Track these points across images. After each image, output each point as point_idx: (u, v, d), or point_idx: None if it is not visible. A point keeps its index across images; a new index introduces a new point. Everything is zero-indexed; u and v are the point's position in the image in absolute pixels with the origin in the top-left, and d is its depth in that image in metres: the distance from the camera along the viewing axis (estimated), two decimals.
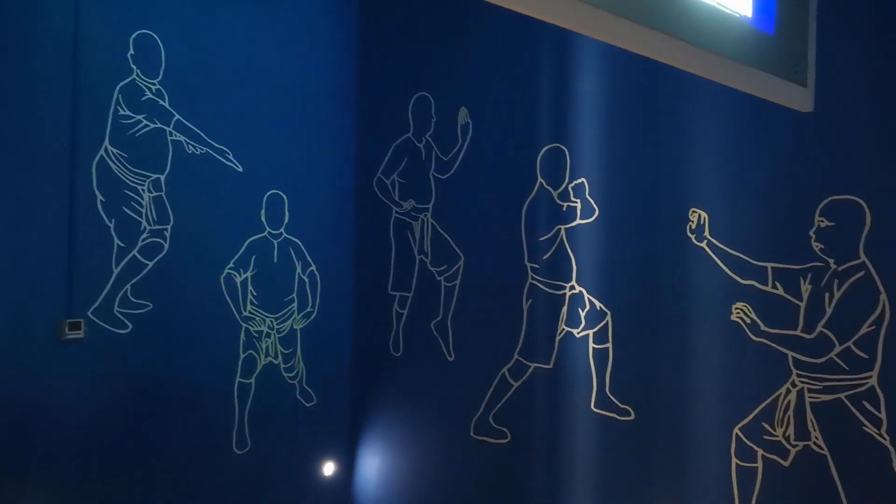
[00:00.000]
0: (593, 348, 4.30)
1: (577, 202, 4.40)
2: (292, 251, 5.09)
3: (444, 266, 5.01)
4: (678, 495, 3.94)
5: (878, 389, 3.38)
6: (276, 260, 5.00)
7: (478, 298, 4.85)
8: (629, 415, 4.14)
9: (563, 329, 4.43)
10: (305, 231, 5.17)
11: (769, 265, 3.70)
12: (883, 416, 3.36)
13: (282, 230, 5.04)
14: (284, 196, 5.05)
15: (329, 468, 5.32)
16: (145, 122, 4.40)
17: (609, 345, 4.24)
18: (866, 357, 3.42)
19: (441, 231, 5.04)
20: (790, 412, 3.61)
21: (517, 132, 4.69)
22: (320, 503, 5.27)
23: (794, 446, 3.60)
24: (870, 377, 3.40)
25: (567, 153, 4.45)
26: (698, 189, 3.94)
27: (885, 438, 3.35)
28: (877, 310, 3.40)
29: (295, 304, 5.11)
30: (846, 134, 3.51)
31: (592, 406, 4.28)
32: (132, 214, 4.36)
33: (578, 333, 4.37)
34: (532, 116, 4.62)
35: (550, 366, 4.48)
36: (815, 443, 3.54)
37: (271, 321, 4.97)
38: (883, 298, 3.38)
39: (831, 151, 3.55)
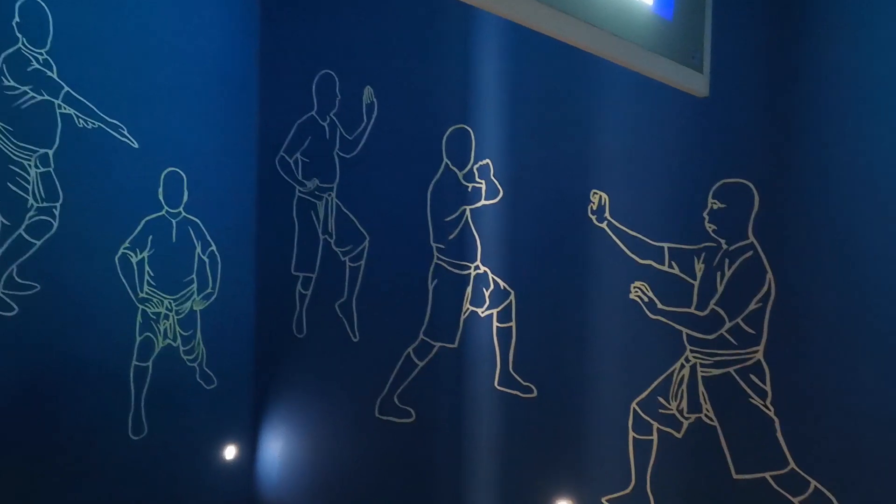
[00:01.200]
0: (497, 327, 4.36)
1: (481, 183, 4.43)
2: (191, 231, 4.94)
3: (349, 246, 4.97)
4: (579, 469, 4.06)
5: (764, 363, 3.56)
6: (174, 240, 4.84)
7: (383, 279, 4.84)
8: (532, 392, 4.22)
9: (468, 308, 4.47)
10: (205, 210, 5.03)
11: (666, 245, 3.83)
12: (768, 388, 3.55)
13: (180, 209, 4.88)
14: (183, 174, 4.89)
15: (230, 452, 5.22)
16: (31, 93, 4.16)
17: (513, 324, 4.31)
18: (754, 333, 3.59)
19: (346, 211, 5.00)
20: (684, 386, 3.76)
21: (423, 112, 4.69)
22: (221, 488, 5.17)
23: (686, 419, 3.75)
24: (756, 351, 3.58)
25: (472, 134, 4.48)
26: (600, 171, 4.04)
27: (769, 409, 3.54)
28: (763, 288, 3.57)
29: (195, 285, 4.97)
30: (738, 119, 3.66)
31: (496, 384, 4.35)
32: (18, 191, 4.13)
33: (483, 313, 4.42)
34: (437, 96, 4.62)
35: (455, 345, 4.52)
36: (706, 415, 3.70)
37: (170, 302, 4.82)
38: (769, 277, 3.56)
39: (724, 136, 3.69)
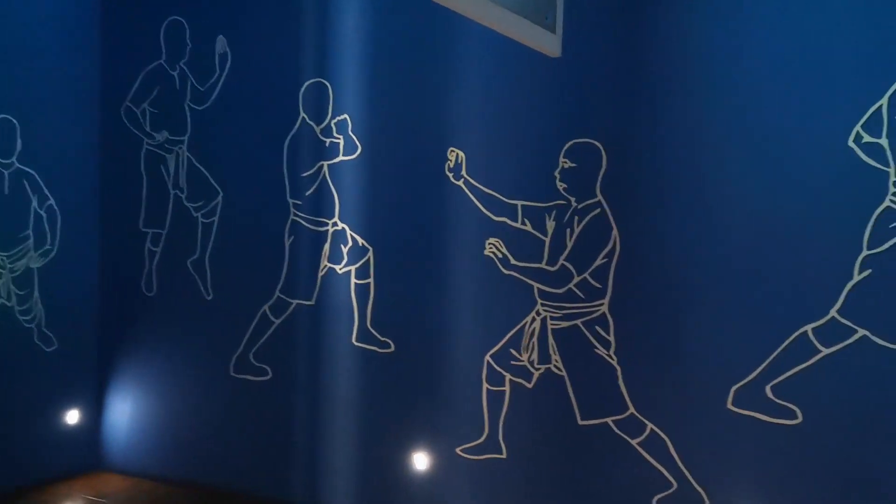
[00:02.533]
0: (355, 284, 4.37)
1: (339, 138, 4.39)
2: (26, 183, 4.62)
3: (201, 202, 4.80)
4: (434, 422, 4.15)
5: (609, 315, 3.76)
6: (6, 192, 4.51)
7: (237, 235, 4.72)
8: (389, 347, 4.27)
9: (326, 265, 4.45)
10: (42, 161, 4.71)
11: (519, 203, 3.94)
12: (612, 338, 3.75)
13: (13, 160, 4.55)
14: (15, 121, 4.55)
15: (73, 417, 4.98)
16: None
17: (371, 280, 4.32)
18: (600, 287, 3.77)
19: (198, 165, 4.82)
20: (535, 339, 3.92)
21: (279, 65, 4.56)
22: (64, 454, 4.93)
23: (537, 369, 3.91)
24: (602, 304, 3.77)
25: (330, 88, 4.41)
26: (456, 129, 4.08)
27: (613, 359, 3.74)
28: (609, 244, 3.75)
29: (31, 241, 4.66)
30: (589, 81, 3.79)
31: (354, 340, 4.36)
32: None
33: (341, 269, 4.40)
34: (294, 49, 4.51)
35: (312, 302, 4.49)
36: (555, 365, 3.87)
37: (2, 260, 4.50)
38: (615, 234, 3.74)
39: (575, 97, 3.82)
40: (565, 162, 3.83)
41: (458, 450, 4.08)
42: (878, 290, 3.20)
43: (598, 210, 3.78)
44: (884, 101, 3.21)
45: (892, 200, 3.19)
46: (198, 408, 4.84)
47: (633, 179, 3.71)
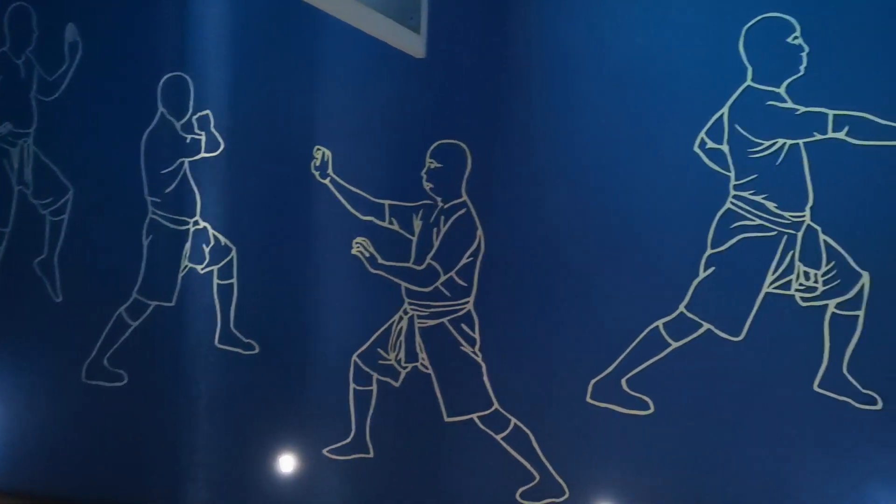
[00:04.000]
0: (218, 284, 4.24)
1: (201, 134, 4.25)
2: None
3: (49, 199, 4.53)
4: (301, 423, 4.09)
5: (474, 313, 3.83)
6: None
7: (90, 234, 4.48)
8: (254, 349, 4.17)
9: (187, 265, 4.30)
10: None
11: (386, 202, 3.95)
12: (477, 336, 3.82)
13: None
14: None
15: None
16: None
17: (234, 280, 4.21)
18: (465, 285, 3.84)
19: (45, 160, 4.54)
20: (402, 337, 3.94)
21: (135, 55, 4.37)
22: None
23: (404, 368, 3.94)
24: (468, 302, 3.83)
25: (191, 83, 4.26)
26: (323, 127, 4.04)
27: (478, 355, 3.82)
28: (474, 243, 3.82)
29: None
30: (454, 82, 3.85)
31: (216, 342, 4.24)
32: None
33: (202, 269, 4.27)
34: (153, 39, 4.33)
35: (172, 303, 4.33)
36: (422, 363, 3.91)
37: None
38: (480, 233, 3.81)
39: (441, 97, 3.87)
40: (431, 162, 3.87)
41: (325, 451, 4.05)
42: (720, 287, 3.42)
43: (464, 210, 3.84)
44: (725, 109, 3.43)
45: (732, 203, 3.41)
46: (47, 416, 4.56)
47: (498, 180, 3.79)
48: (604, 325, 3.60)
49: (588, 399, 3.63)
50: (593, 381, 3.63)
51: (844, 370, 3.25)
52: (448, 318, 3.87)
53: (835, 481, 3.26)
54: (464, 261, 3.83)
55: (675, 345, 3.49)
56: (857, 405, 3.24)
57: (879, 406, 3.21)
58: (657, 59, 3.53)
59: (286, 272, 4.11)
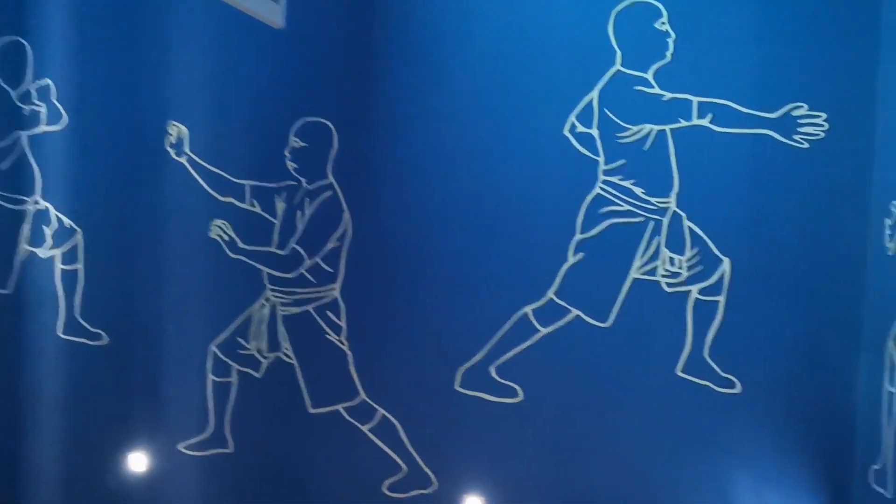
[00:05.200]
0: (61, 269, 3.89)
1: (41, 106, 3.88)
2: None
3: None
4: (154, 418, 3.82)
5: (341, 300, 3.67)
6: None
7: None
8: (102, 339, 3.86)
9: (26, 249, 3.92)
10: None
11: (247, 183, 3.72)
12: (343, 323, 3.67)
13: None
14: None
15: None
16: None
17: (79, 265, 3.88)
18: (331, 271, 3.67)
19: None
20: (263, 326, 3.73)
21: None
22: None
23: (266, 358, 3.74)
24: (334, 289, 3.67)
25: (29, 49, 3.88)
26: (178, 101, 3.76)
27: (344, 344, 3.67)
28: (341, 227, 3.66)
29: None
30: (317, 55, 3.66)
31: (60, 332, 3.90)
32: None
33: (44, 254, 3.91)
34: None
35: (9, 290, 3.95)
36: (285, 353, 3.72)
37: None
38: (347, 217, 3.65)
39: (305, 73, 3.67)
40: (296, 141, 3.67)
41: (180, 447, 3.80)
42: (589, 273, 3.40)
43: (330, 192, 3.67)
44: (594, 93, 3.40)
45: (601, 188, 3.39)
46: None
47: (365, 161, 3.64)
48: (473, 312, 3.52)
49: (456, 387, 3.55)
50: (462, 369, 3.55)
51: (706, 355, 3.29)
52: (313, 305, 3.69)
53: (697, 463, 3.31)
54: (329, 245, 3.66)
55: (543, 331, 3.45)
56: (718, 389, 3.29)
57: (738, 389, 3.27)
58: (528, 40, 3.47)
59: (138, 257, 3.82)
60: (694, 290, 3.31)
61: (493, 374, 3.51)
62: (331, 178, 3.67)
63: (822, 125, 3.19)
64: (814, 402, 3.20)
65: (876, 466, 2.85)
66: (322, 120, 3.65)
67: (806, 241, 3.22)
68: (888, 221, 2.89)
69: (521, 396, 3.49)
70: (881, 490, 2.79)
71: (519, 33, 3.47)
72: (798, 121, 3.22)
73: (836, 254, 3.20)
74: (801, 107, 3.22)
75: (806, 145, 3.22)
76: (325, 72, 3.65)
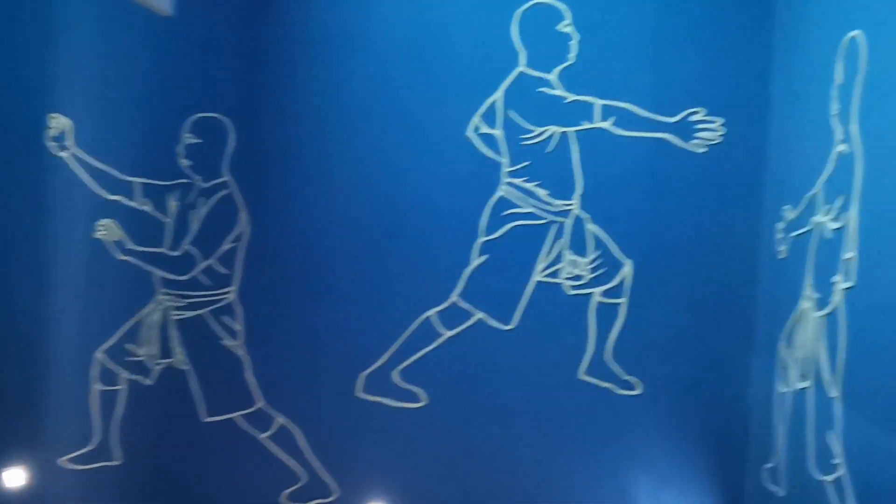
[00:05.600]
0: None
1: None
2: None
3: None
4: (32, 432, 3.57)
5: (237, 304, 3.52)
6: None
7: None
8: None
9: None
10: None
11: (137, 180, 3.53)
12: (240, 328, 3.52)
13: None
14: None
15: None
16: None
17: None
18: (227, 273, 3.52)
19: None
20: (155, 331, 3.54)
21: None
22: None
23: (157, 365, 3.55)
24: (230, 292, 3.52)
25: None
26: (60, 93, 3.53)
27: (241, 349, 3.52)
28: (237, 227, 3.51)
29: None
30: (210, 47, 3.49)
31: None
32: None
33: None
34: None
35: None
36: (178, 359, 3.54)
37: None
38: (244, 216, 3.50)
39: (197, 65, 3.50)
40: (189, 137, 3.50)
41: (62, 460, 3.56)
42: (492, 275, 3.36)
43: (226, 191, 3.51)
44: (499, 94, 3.36)
45: (505, 190, 3.36)
46: None
47: (263, 158, 3.50)
48: (375, 316, 3.43)
49: (358, 393, 3.46)
50: (364, 374, 3.45)
51: (607, 357, 3.31)
52: (208, 309, 3.53)
53: (599, 465, 3.32)
54: (225, 246, 3.51)
55: (447, 334, 3.40)
56: (619, 391, 3.31)
57: (639, 391, 3.30)
58: (431, 38, 3.40)
59: (16, 258, 3.56)
60: (596, 292, 3.32)
61: (396, 379, 3.43)
62: (226, 176, 3.52)
63: (718, 130, 3.25)
64: (709, 402, 3.26)
65: (769, 465, 2.92)
66: (217, 115, 3.49)
67: (703, 244, 3.27)
68: (780, 225, 2.95)
69: (424, 401, 3.42)
70: (774, 488, 2.85)
71: (422, 30, 3.40)
72: (696, 125, 3.27)
73: (731, 257, 3.26)
74: (699, 112, 3.26)
75: (703, 150, 3.26)
76: (219, 63, 3.50)
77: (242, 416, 3.53)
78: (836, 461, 2.31)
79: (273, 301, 3.51)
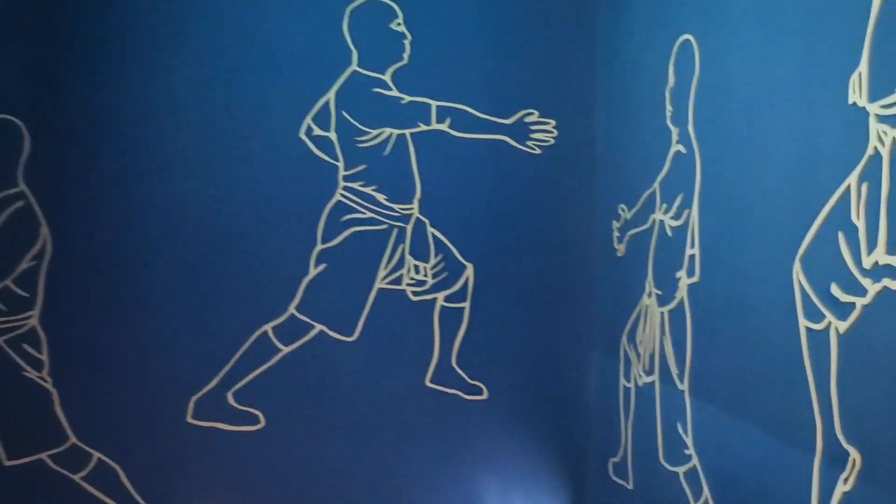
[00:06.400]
0: None
1: None
2: None
3: None
4: None
5: (40, 329, 3.11)
6: None
7: None
8: None
9: None
10: None
11: None
12: (45, 357, 3.11)
13: None
14: None
15: None
16: None
17: None
18: (27, 296, 3.11)
19: None
20: None
21: None
22: None
23: None
24: (31, 317, 3.11)
25: None
26: None
27: (47, 381, 3.12)
28: (38, 243, 3.10)
29: None
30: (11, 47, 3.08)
31: None
32: None
33: None
34: None
35: None
36: None
37: None
38: (45, 231, 3.11)
39: None
40: None
41: None
42: (332, 285, 3.20)
43: (21, 202, 3.10)
44: (331, 94, 3.20)
45: (342, 194, 3.21)
46: None
47: (66, 166, 3.13)
48: (205, 334, 3.17)
49: (189, 419, 3.17)
50: (194, 399, 3.17)
51: (453, 363, 3.25)
52: (5, 337, 3.10)
53: (449, 472, 3.26)
54: (24, 266, 3.09)
55: (285, 350, 3.19)
56: (466, 396, 3.26)
57: (485, 396, 3.27)
58: (258, 35, 3.19)
59: None
60: (440, 297, 3.25)
61: (231, 401, 3.18)
62: (22, 186, 3.10)
63: (552, 132, 3.29)
64: (554, 401, 3.29)
65: (615, 459, 2.98)
66: (8, 117, 3.07)
67: (542, 245, 3.30)
68: (616, 224, 3.03)
69: (262, 422, 3.20)
70: (622, 482, 2.92)
71: (248, 27, 3.18)
72: (530, 127, 3.29)
73: (569, 257, 3.31)
74: (533, 113, 3.29)
75: (538, 151, 3.29)
76: (9, 59, 3.08)
77: (52, 455, 3.12)
78: (688, 452, 2.37)
79: (82, 325, 3.15)
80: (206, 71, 3.15)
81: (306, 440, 3.21)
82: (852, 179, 1.61)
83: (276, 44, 3.19)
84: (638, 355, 2.80)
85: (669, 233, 2.55)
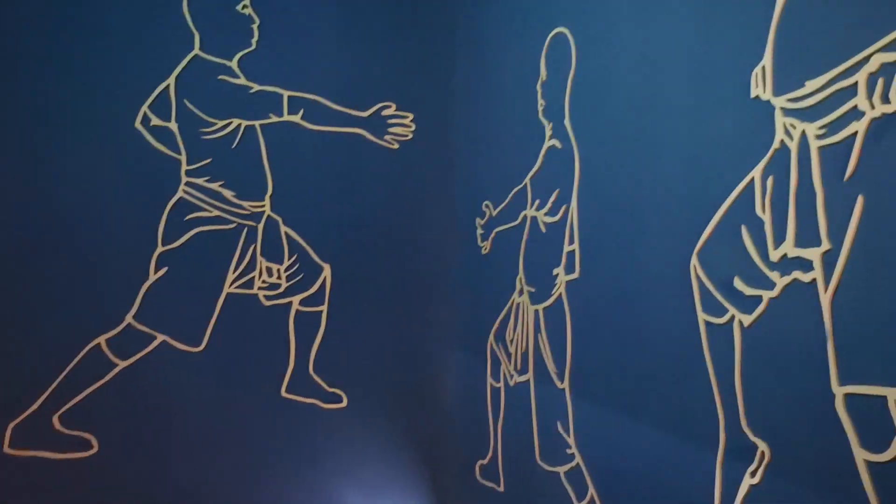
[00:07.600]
0: None
1: None
2: None
3: None
4: None
5: None
6: None
7: None
8: None
9: None
10: None
11: None
12: None
13: None
14: None
15: None
16: None
17: None
18: None
19: None
20: None
21: None
22: None
23: None
24: None
25: None
26: None
27: None
28: None
29: None
30: None
31: None
32: None
33: None
34: None
35: None
36: None
37: None
38: None
39: None
40: None
41: None
42: (175, 290, 2.90)
43: None
44: (171, 80, 2.90)
45: (185, 191, 2.91)
46: None
47: None
48: (26, 349, 2.76)
49: (6, 449, 2.76)
50: (12, 425, 2.76)
51: (311, 371, 3.05)
52: None
53: (310, 485, 3.06)
54: None
55: (122, 364, 2.85)
56: (325, 406, 3.07)
57: (345, 403, 3.10)
58: (86, 14, 2.82)
59: None
60: (295, 301, 3.04)
61: (58, 425, 2.80)
62: None
63: (410, 126, 3.17)
64: (417, 405, 3.18)
65: (483, 461, 2.91)
66: None
67: (401, 243, 3.17)
68: (480, 221, 2.96)
69: (95, 447, 2.84)
70: (491, 484, 2.85)
71: (73, 1, 2.81)
72: (388, 120, 3.15)
73: (431, 255, 3.21)
74: (390, 106, 3.15)
75: (396, 146, 3.16)
76: None
77: None
78: (570, 451, 2.34)
79: None
80: (24, 50, 2.75)
81: (147, 465, 2.89)
82: (756, 173, 1.61)
83: (108, 22, 2.84)
84: (508, 354, 2.74)
85: (543, 229, 2.51)
